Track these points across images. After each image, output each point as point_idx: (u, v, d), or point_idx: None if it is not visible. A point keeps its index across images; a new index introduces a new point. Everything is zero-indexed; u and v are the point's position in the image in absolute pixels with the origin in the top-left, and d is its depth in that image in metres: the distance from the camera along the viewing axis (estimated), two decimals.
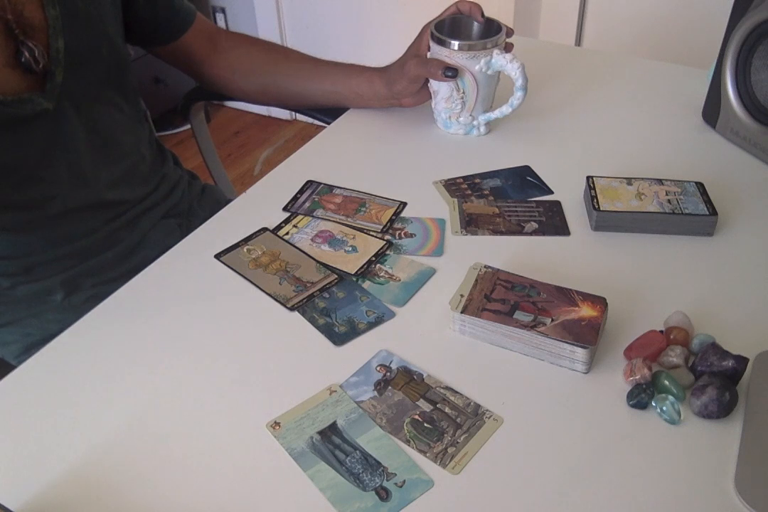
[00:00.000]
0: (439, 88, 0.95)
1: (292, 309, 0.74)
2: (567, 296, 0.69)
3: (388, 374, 0.67)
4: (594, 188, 0.84)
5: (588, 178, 0.86)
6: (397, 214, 0.86)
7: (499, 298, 0.69)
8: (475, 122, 0.98)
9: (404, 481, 0.58)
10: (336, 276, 0.77)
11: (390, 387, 0.65)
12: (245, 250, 0.81)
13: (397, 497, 0.57)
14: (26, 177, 0.82)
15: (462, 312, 0.68)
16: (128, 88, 0.93)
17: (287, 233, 0.83)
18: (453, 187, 0.90)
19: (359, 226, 0.84)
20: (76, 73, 0.83)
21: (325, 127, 1.03)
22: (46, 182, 0.84)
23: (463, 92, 0.94)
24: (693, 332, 0.69)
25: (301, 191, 0.90)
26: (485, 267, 0.73)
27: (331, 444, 0.61)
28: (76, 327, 0.72)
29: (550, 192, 0.89)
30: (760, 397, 0.63)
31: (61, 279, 0.90)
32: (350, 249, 0.81)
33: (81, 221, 0.89)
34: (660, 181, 0.85)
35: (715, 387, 0.61)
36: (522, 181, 0.91)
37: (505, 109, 0.95)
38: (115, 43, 0.89)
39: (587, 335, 0.65)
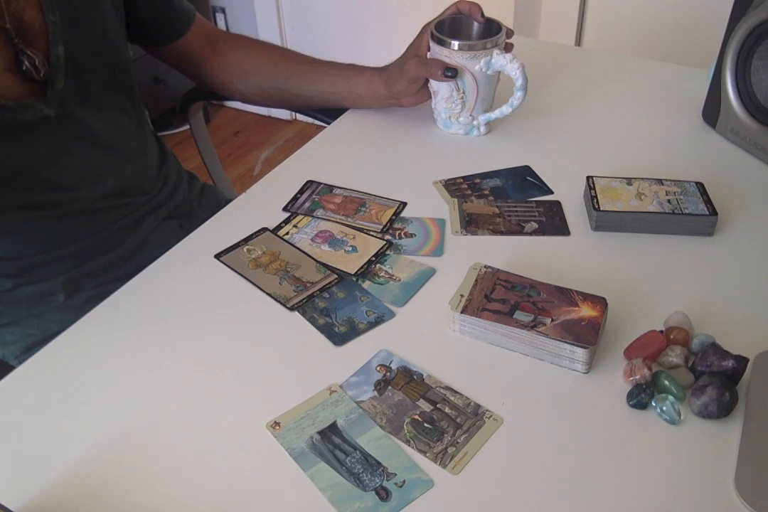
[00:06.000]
0: (439, 88, 0.95)
1: (292, 309, 0.74)
2: (567, 296, 0.69)
3: (388, 374, 0.67)
4: (594, 188, 0.84)
5: (588, 178, 0.86)
6: (397, 214, 0.86)
7: (499, 298, 0.69)
8: (475, 122, 0.98)
9: (404, 481, 0.58)
10: (336, 276, 0.77)
11: (390, 387, 0.65)
12: (245, 250, 0.81)
13: (397, 497, 0.57)
14: (30, 181, 0.82)
15: (462, 312, 0.68)
16: (132, 90, 0.93)
17: (287, 233, 0.83)
18: (453, 187, 0.90)
19: (359, 226, 0.84)
20: (77, 79, 0.83)
21: (325, 127, 1.03)
22: (50, 187, 0.84)
23: (463, 92, 0.94)
24: (693, 332, 0.69)
25: (301, 191, 0.90)
26: (485, 267, 0.73)
27: (331, 444, 0.61)
28: (76, 327, 0.72)
29: (550, 192, 0.89)
30: (760, 397, 0.63)
31: (62, 280, 0.90)
32: (350, 249, 0.81)
33: (84, 223, 0.89)
34: (660, 181, 0.85)
35: (715, 387, 0.61)
36: (522, 181, 0.91)
37: (505, 109, 0.95)
38: (117, 47, 0.89)
39: (587, 335, 0.65)
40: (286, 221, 0.85)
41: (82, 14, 0.83)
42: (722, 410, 0.61)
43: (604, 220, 0.82)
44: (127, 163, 0.93)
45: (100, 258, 0.92)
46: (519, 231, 0.83)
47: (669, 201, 0.82)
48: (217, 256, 0.80)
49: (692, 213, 0.80)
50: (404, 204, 0.87)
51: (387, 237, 0.82)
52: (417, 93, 0.98)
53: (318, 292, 0.75)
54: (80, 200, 0.87)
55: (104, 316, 0.74)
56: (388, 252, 0.80)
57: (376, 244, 0.81)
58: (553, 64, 1.17)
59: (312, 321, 0.72)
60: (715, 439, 0.61)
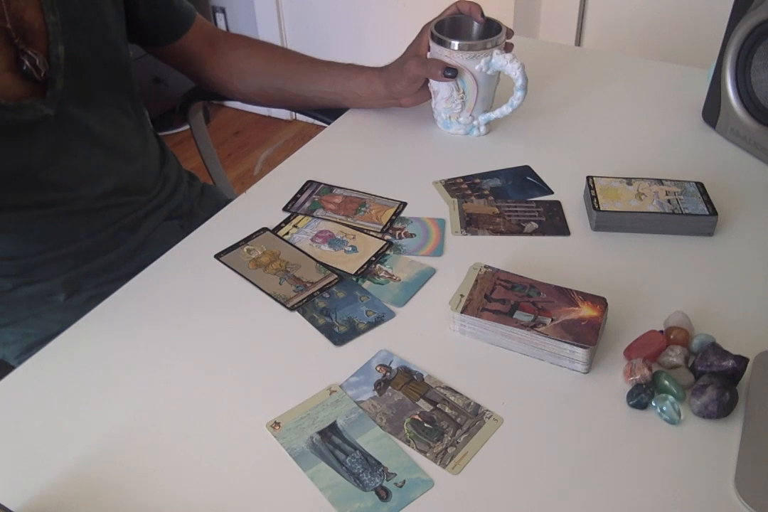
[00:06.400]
0: (439, 88, 0.95)
1: (292, 309, 0.74)
2: (567, 296, 0.69)
3: (388, 374, 0.67)
4: (594, 188, 0.84)
5: (588, 178, 0.86)
6: (397, 214, 0.86)
7: (499, 298, 0.69)
8: (475, 122, 0.98)
9: (404, 481, 0.58)
10: (336, 276, 0.77)
11: (390, 387, 0.65)
12: (245, 250, 0.81)
13: (397, 497, 0.57)
14: (30, 181, 0.82)
15: (462, 312, 0.68)
16: (132, 90, 0.93)
17: (287, 233, 0.83)
18: (453, 187, 0.90)
19: (359, 226, 0.84)
20: (77, 79, 0.83)
21: (325, 127, 1.03)
22: (50, 187, 0.84)
23: (463, 92, 0.94)
24: (693, 332, 0.69)
25: (301, 191, 0.90)
26: (485, 267, 0.73)
27: (331, 444, 0.61)
28: (76, 327, 0.72)
29: (550, 192, 0.89)
30: (760, 397, 0.63)
31: (62, 280, 0.90)
32: (350, 249, 0.81)
33: (84, 223, 0.90)
34: (660, 181, 0.85)
35: (715, 387, 0.61)
36: (522, 181, 0.91)
37: (505, 109, 0.95)
38: (117, 47, 0.89)
39: (587, 335, 0.65)
40: (286, 221, 0.85)
41: (82, 14, 0.83)
42: (722, 410, 0.61)
43: (604, 220, 0.82)
44: (127, 162, 0.93)
45: (100, 258, 0.92)
46: (519, 231, 0.83)
47: (669, 201, 0.82)
48: (217, 256, 0.80)
49: (692, 213, 0.80)
50: (404, 204, 0.87)
51: (387, 237, 0.82)
52: (417, 93, 0.98)
53: (318, 292, 0.75)
54: (80, 199, 0.87)
55: (104, 316, 0.74)
56: (388, 252, 0.80)
57: (376, 244, 0.81)
58: (553, 64, 1.17)
59: (312, 321, 0.72)
60: (715, 439, 0.61)
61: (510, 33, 0.94)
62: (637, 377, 0.64)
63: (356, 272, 0.77)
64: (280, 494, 0.58)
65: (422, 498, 0.57)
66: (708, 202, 0.82)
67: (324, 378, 0.66)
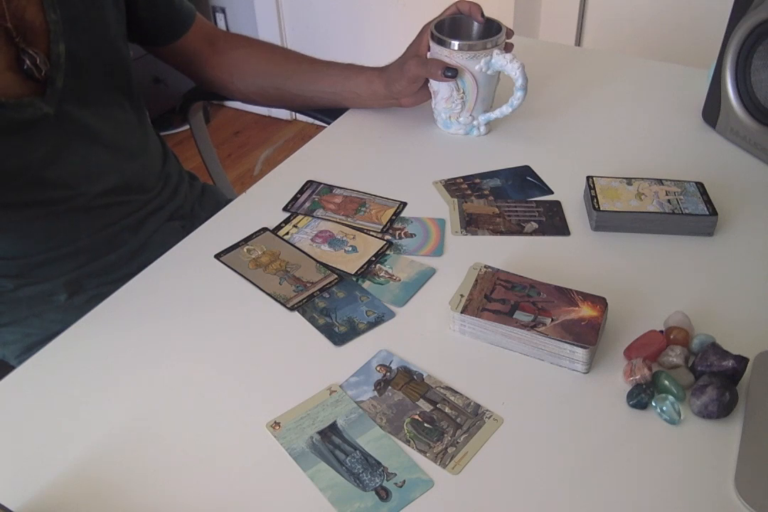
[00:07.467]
0: (439, 88, 0.95)
1: (292, 309, 0.74)
2: (567, 296, 0.69)
3: (388, 374, 0.67)
4: (594, 188, 0.84)
5: (588, 178, 0.86)
6: (397, 214, 0.86)
7: (499, 298, 0.69)
8: (475, 122, 0.98)
9: (404, 481, 0.58)
10: (336, 276, 0.77)
11: (390, 387, 0.65)
12: (245, 250, 0.81)
13: (397, 497, 0.57)
14: (31, 179, 0.82)
15: (462, 312, 0.68)
16: (131, 90, 0.94)
17: (287, 233, 0.83)
18: (453, 187, 0.90)
19: (359, 226, 0.84)
20: (77, 77, 0.83)
21: (325, 127, 1.03)
22: (50, 185, 0.84)
23: (463, 92, 0.94)
24: (693, 332, 0.69)
25: (301, 191, 0.90)
26: (485, 267, 0.73)
27: (331, 444, 0.61)
28: (76, 327, 0.72)
29: (550, 192, 0.89)
30: (760, 397, 0.63)
31: (64, 281, 0.90)
32: (350, 249, 0.81)
33: (85, 221, 0.90)
34: (660, 181, 0.85)
35: (715, 387, 0.61)
36: (522, 181, 0.91)
37: (505, 109, 0.95)
38: (117, 46, 0.89)
39: (587, 335, 0.65)
40: (286, 221, 0.85)
41: (83, 13, 0.83)
42: (722, 410, 0.61)
43: (604, 220, 0.82)
44: (128, 160, 0.93)
45: (101, 259, 0.92)
46: (519, 231, 0.83)
47: (669, 201, 0.82)
48: (217, 256, 0.80)
49: (692, 213, 0.80)
50: (404, 204, 0.87)
51: (387, 237, 0.82)
52: (417, 93, 0.98)
53: (318, 292, 0.75)
54: (81, 197, 0.87)
55: (104, 316, 0.74)
56: (388, 252, 0.80)
57: (376, 244, 0.81)
58: (553, 64, 1.17)
59: (312, 321, 0.72)
60: (715, 439, 0.61)
61: (510, 33, 0.94)
62: (637, 377, 0.64)
63: (356, 272, 0.77)
64: (280, 494, 0.58)
65: (422, 498, 0.57)
66: (708, 202, 0.82)
67: (324, 378, 0.66)
